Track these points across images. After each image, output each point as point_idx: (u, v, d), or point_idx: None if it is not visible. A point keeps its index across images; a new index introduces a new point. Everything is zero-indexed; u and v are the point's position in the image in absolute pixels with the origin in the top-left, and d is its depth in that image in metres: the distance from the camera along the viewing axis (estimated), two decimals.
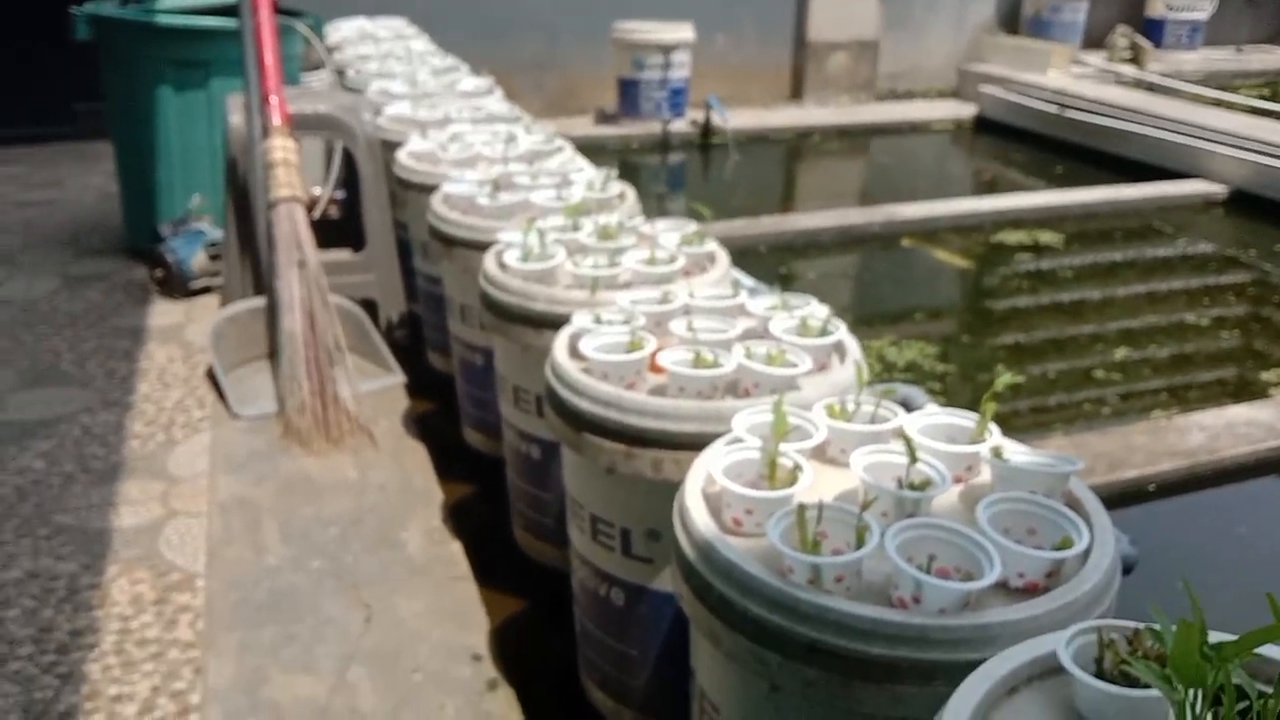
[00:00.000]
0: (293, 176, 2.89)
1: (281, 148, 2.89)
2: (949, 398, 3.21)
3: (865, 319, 1.76)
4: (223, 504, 2.35)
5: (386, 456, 2.59)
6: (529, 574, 2.24)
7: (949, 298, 4.50)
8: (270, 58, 2.99)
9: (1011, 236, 4.91)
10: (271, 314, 2.94)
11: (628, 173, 2.64)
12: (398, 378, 2.96)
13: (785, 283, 3.57)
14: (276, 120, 2.93)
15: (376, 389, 2.88)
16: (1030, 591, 1.11)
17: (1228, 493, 2.80)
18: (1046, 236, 4.91)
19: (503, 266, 2.05)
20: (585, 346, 1.63)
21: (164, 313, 3.39)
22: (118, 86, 3.78)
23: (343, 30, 4.97)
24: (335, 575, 2.12)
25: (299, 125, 3.05)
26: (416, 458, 2.60)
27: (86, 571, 2.11)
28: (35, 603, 2.01)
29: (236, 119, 3.09)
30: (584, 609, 1.76)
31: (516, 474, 2.20)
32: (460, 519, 2.37)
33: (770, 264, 4.50)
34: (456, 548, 2.24)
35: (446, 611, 2.03)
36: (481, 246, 2.27)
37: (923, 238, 4.89)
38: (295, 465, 2.53)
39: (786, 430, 1.24)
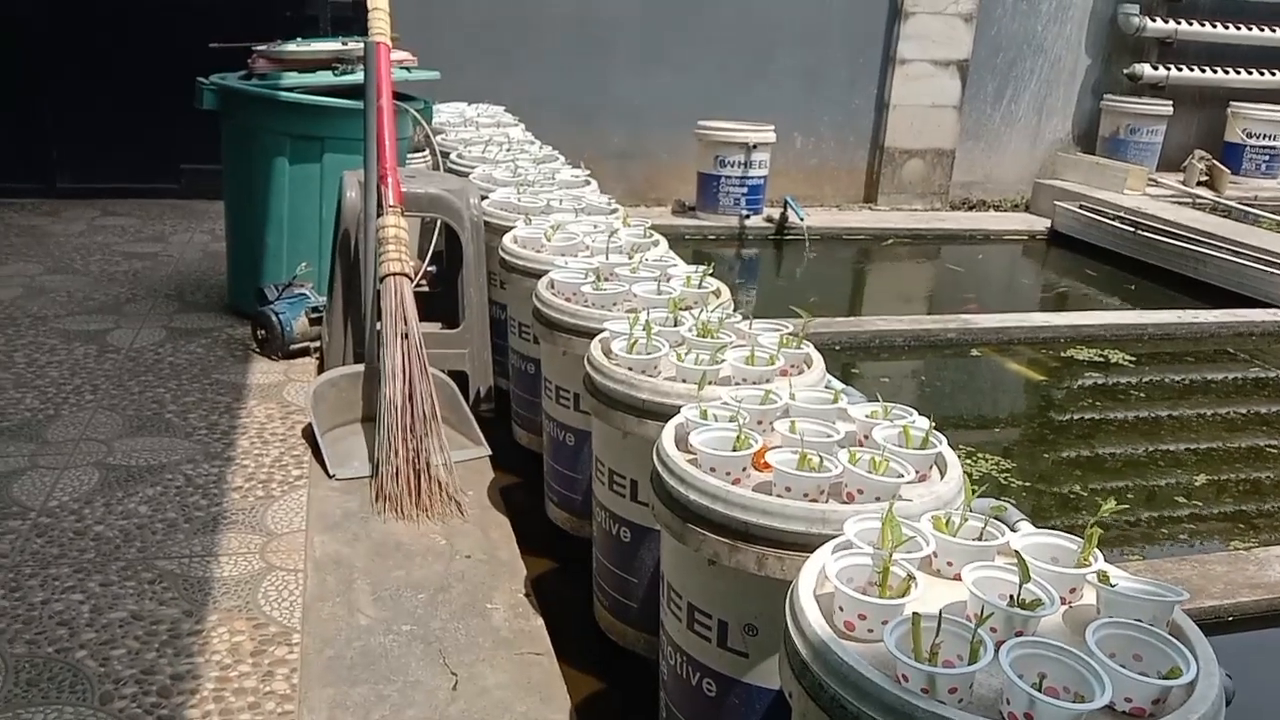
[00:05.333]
0: (403, 253, 3.03)
1: (395, 225, 3.05)
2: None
3: (939, 427, 1.81)
4: (318, 562, 2.44)
5: (473, 526, 2.67)
6: (608, 654, 2.28)
7: (1024, 410, 4.52)
8: (389, 141, 3.17)
9: (1083, 353, 4.93)
10: (370, 380, 3.06)
11: (702, 263, 2.78)
12: (484, 450, 3.06)
13: (854, 381, 3.63)
14: (391, 199, 3.09)
15: (464, 459, 2.98)
16: (1136, 717, 1.15)
17: None
18: (1117, 355, 4.92)
19: (609, 354, 2.15)
20: (695, 440, 1.70)
21: (264, 371, 3.54)
22: (236, 154, 4.00)
23: (444, 114, 5.22)
24: (424, 640, 2.19)
25: (411, 205, 3.22)
26: (501, 530, 2.67)
27: (187, 618, 2.20)
28: (139, 644, 2.10)
29: (353, 195, 3.26)
30: (672, 696, 1.80)
31: (604, 555, 2.27)
32: (542, 594, 2.43)
33: (844, 363, 4.56)
34: (539, 623, 2.30)
35: (530, 685, 2.08)
36: (584, 333, 2.38)
37: (995, 348, 4.93)
38: (386, 529, 2.62)
39: (901, 540, 1.30)
